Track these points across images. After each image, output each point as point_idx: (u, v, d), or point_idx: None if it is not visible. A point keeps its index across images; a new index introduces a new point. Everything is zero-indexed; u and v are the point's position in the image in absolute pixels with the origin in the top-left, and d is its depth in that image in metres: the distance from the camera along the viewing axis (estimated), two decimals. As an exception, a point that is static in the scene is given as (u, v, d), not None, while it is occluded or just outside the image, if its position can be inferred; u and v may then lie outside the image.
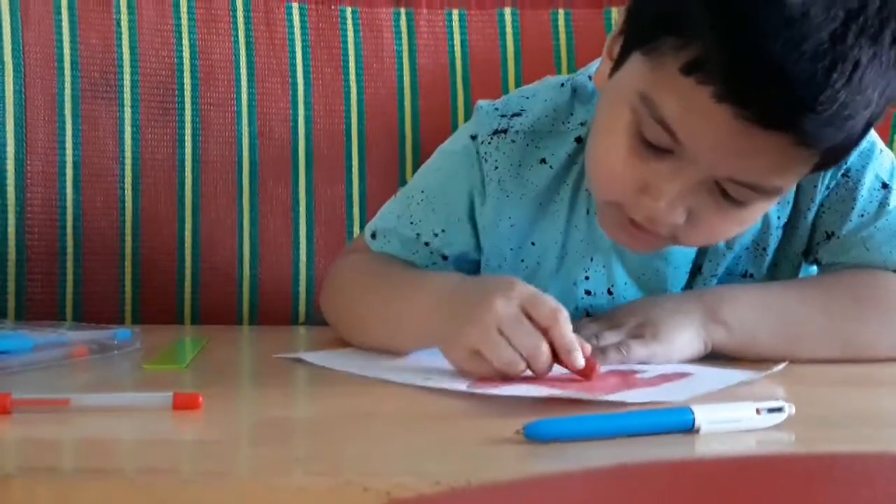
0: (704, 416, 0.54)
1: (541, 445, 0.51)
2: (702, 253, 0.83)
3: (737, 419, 0.55)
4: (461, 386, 0.64)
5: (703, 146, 0.66)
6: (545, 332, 0.65)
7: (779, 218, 0.82)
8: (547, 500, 0.37)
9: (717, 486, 0.38)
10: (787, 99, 0.62)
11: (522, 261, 0.84)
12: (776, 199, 0.74)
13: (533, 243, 0.83)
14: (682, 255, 0.83)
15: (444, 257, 0.85)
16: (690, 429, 0.54)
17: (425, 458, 0.51)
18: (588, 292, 0.84)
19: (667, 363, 0.73)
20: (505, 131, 0.82)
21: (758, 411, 0.55)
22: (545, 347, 0.65)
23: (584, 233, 0.82)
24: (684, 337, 0.75)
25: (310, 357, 0.77)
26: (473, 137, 0.83)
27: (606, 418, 0.54)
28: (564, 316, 0.66)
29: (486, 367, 0.66)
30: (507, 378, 0.65)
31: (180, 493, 0.46)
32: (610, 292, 0.84)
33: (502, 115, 0.83)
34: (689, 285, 0.84)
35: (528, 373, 0.67)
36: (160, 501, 0.45)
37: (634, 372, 0.70)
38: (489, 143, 0.82)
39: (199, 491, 0.46)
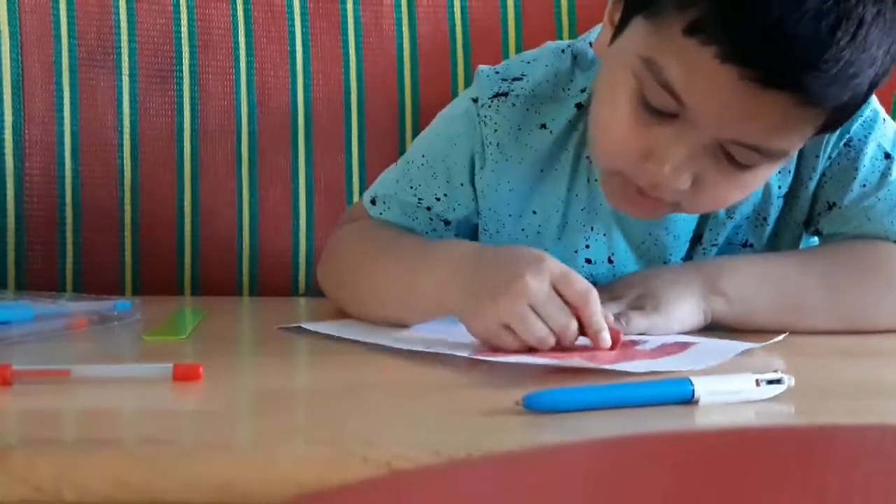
0: (704, 388, 0.54)
1: (540, 416, 0.51)
2: (702, 222, 0.83)
3: (736, 390, 0.55)
4: (464, 353, 0.64)
5: (707, 108, 0.66)
6: (575, 311, 0.65)
7: (780, 187, 0.82)
8: (546, 470, 0.37)
9: (716, 457, 0.39)
10: (790, 58, 0.62)
11: (523, 229, 0.84)
12: (780, 164, 0.73)
13: (534, 212, 0.83)
14: (683, 225, 0.82)
15: (446, 222, 0.84)
16: (690, 400, 0.54)
17: (425, 428, 0.51)
18: (588, 261, 0.84)
19: (666, 334, 0.73)
20: (506, 94, 0.81)
21: (757, 383, 0.55)
22: (575, 325, 0.65)
23: (585, 201, 0.82)
24: (684, 308, 0.75)
25: (311, 326, 0.77)
26: (475, 100, 0.82)
27: (606, 389, 0.54)
28: (594, 296, 0.66)
29: (513, 342, 0.65)
30: (531, 350, 0.65)
31: (181, 463, 0.46)
32: (610, 261, 0.84)
33: (503, 79, 0.82)
34: (690, 255, 0.84)
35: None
36: (161, 472, 0.46)
37: (635, 343, 0.70)
38: (489, 105, 0.81)
39: (199, 461, 0.46)
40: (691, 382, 0.54)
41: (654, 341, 0.70)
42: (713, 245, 0.83)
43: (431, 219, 0.84)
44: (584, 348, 0.67)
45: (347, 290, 0.84)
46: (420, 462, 0.45)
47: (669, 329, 0.74)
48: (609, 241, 0.83)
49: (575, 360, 0.62)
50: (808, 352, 0.72)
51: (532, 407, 0.51)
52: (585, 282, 0.66)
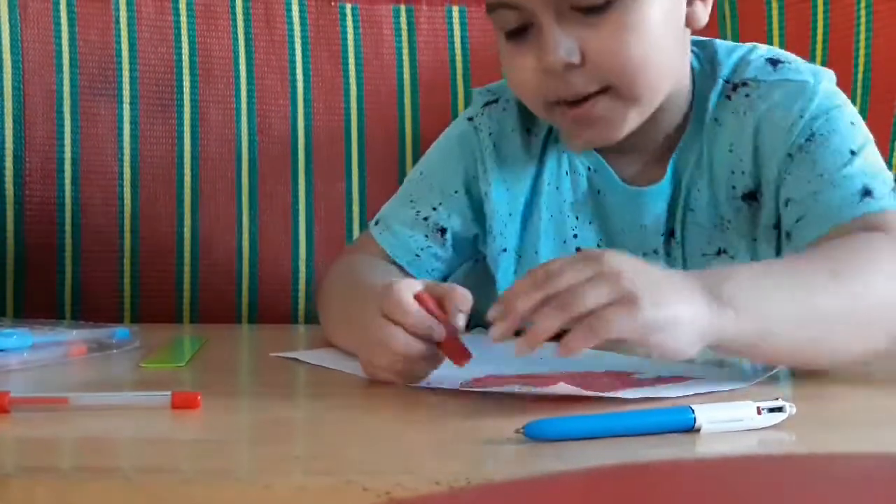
0: (705, 416, 0.54)
1: (541, 444, 0.51)
2: (670, 216, 0.83)
3: (737, 418, 0.54)
4: (455, 384, 0.64)
5: None
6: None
7: (734, 188, 0.81)
8: (547, 499, 0.37)
9: (717, 485, 0.38)
10: None
11: (521, 226, 0.87)
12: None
13: (528, 208, 0.87)
14: (651, 215, 0.84)
15: (443, 231, 0.87)
16: (691, 428, 0.54)
17: (425, 457, 0.51)
18: (579, 250, 0.86)
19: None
20: (496, 101, 0.88)
21: (759, 410, 0.55)
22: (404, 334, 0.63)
23: (568, 192, 0.86)
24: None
25: (307, 356, 0.77)
26: (470, 119, 0.89)
27: (607, 417, 0.54)
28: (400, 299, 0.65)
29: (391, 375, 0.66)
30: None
31: (179, 492, 0.46)
32: (599, 247, 0.86)
33: (491, 91, 0.89)
34: (667, 251, 0.84)
35: (515, 372, 0.67)
36: (159, 501, 0.45)
37: (632, 373, 0.70)
38: (482, 114, 0.87)
39: (197, 490, 0.46)
40: (692, 410, 0.54)
41: (651, 372, 0.70)
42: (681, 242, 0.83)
43: (427, 235, 0.87)
44: (571, 375, 0.67)
45: (323, 321, 0.87)
46: (420, 491, 0.45)
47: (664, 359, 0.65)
48: (595, 228, 0.86)
49: (570, 389, 0.61)
50: (810, 379, 0.72)
51: (533, 435, 0.51)
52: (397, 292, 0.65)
